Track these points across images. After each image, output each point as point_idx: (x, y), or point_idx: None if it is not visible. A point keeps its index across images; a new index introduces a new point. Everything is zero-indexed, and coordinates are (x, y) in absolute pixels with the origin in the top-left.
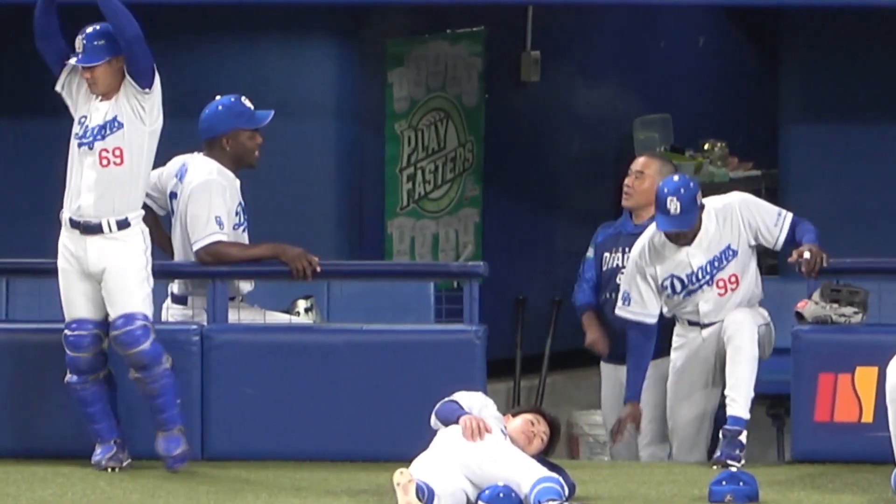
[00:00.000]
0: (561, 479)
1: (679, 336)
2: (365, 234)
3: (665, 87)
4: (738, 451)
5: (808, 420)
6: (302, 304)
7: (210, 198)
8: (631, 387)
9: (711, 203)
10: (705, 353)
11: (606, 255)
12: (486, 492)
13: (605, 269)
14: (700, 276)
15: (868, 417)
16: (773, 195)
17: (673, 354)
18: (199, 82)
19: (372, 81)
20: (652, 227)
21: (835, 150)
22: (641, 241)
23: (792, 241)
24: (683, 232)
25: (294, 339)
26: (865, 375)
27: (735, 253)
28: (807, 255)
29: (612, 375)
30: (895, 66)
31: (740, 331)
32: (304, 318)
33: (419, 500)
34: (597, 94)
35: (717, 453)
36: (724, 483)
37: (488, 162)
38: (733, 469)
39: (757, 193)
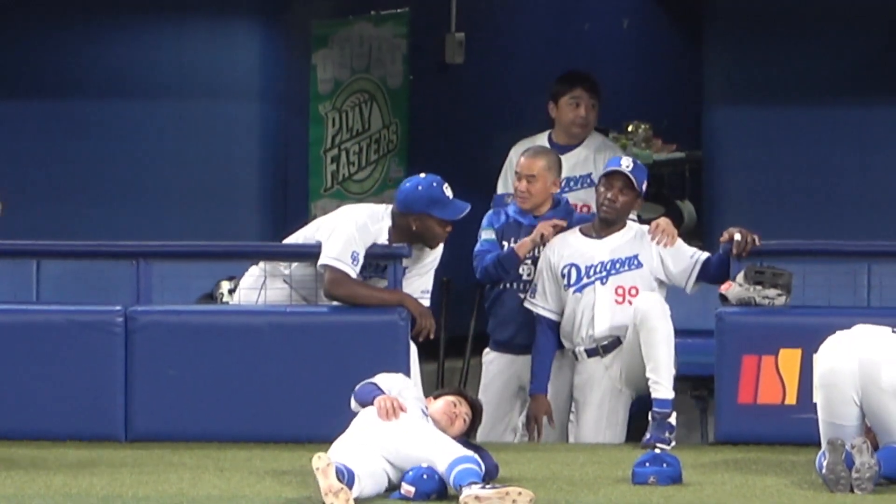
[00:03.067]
0: (477, 457)
1: (579, 374)
2: (289, 215)
3: (589, 69)
4: (667, 434)
5: (732, 402)
6: (226, 286)
7: (354, 230)
8: (536, 380)
9: (638, 224)
10: (610, 383)
11: (504, 243)
12: (410, 473)
13: None
14: (598, 269)
15: (791, 399)
16: (696, 177)
17: (575, 393)
18: (123, 64)
19: (296, 63)
20: (571, 230)
21: (758, 132)
22: (557, 237)
23: (706, 277)
24: (628, 186)
25: (218, 320)
26: (789, 357)
27: (640, 265)
28: (737, 236)
29: (499, 364)
30: (818, 47)
31: (652, 312)
32: (227, 300)
33: (339, 481)
34: (521, 77)
35: (647, 436)
36: (647, 465)
37: (412, 144)
38: (658, 451)
39: (681, 175)
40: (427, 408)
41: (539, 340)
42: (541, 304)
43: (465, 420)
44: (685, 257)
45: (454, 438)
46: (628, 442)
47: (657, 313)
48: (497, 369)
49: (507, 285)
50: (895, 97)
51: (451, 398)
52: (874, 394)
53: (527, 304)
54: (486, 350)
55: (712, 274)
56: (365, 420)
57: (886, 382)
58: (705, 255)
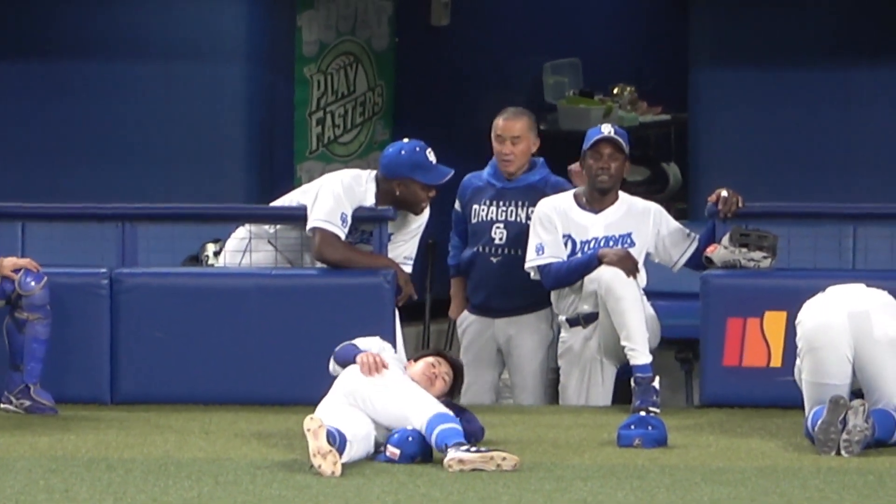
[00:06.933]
0: (452, 414)
1: (562, 343)
2: (275, 177)
3: (575, 32)
4: (654, 398)
5: (717, 364)
6: (211, 248)
7: (341, 191)
8: (587, 255)
9: (630, 196)
10: (590, 354)
11: (476, 207)
12: (395, 435)
13: (475, 221)
14: (591, 246)
15: (776, 362)
16: (682, 139)
17: (559, 360)
18: (109, 25)
19: (281, 25)
20: (562, 194)
21: (744, 95)
22: (550, 200)
23: (697, 262)
24: (617, 149)
25: (204, 282)
26: (774, 320)
27: (633, 244)
28: (724, 193)
29: (475, 327)
30: (803, 9)
31: (615, 280)
32: (213, 262)
33: (330, 444)
34: (506, 39)
35: (637, 402)
36: (632, 427)
37: (398, 106)
38: (643, 414)
39: (666, 137)
40: (406, 369)
41: (556, 267)
42: (552, 255)
43: (444, 380)
44: (683, 235)
45: (438, 400)
46: (614, 405)
47: (621, 280)
48: (474, 332)
49: (480, 249)
50: (879, 58)
51: (430, 359)
52: (868, 346)
53: (535, 264)
54: (465, 313)
55: (699, 258)
56: (347, 379)
57: (879, 332)
58: (698, 237)
